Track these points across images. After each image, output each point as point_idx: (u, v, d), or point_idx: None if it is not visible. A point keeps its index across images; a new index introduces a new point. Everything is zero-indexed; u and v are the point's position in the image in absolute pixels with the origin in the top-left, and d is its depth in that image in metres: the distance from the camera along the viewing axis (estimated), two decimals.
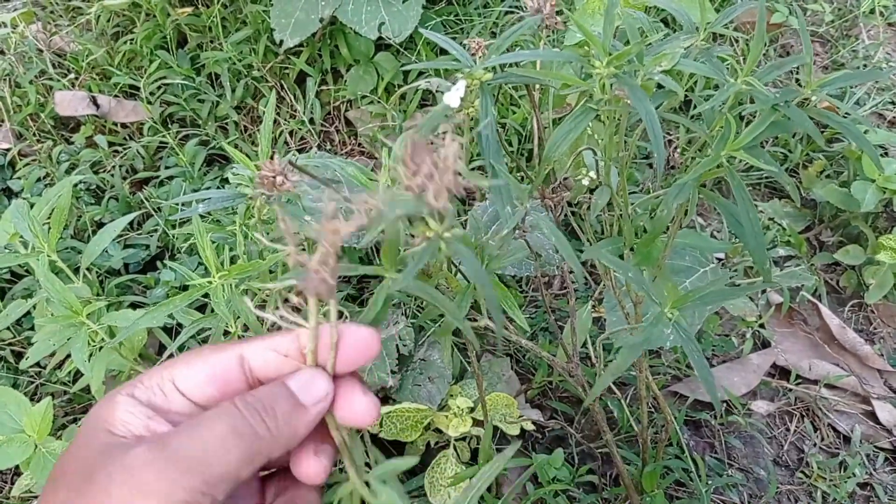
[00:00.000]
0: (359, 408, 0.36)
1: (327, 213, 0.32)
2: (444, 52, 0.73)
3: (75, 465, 0.34)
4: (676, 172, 1.37)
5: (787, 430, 1.19)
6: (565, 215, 1.22)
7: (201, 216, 0.92)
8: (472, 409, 1.08)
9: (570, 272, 1.08)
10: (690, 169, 0.74)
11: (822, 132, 1.54)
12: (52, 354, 1.05)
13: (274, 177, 0.63)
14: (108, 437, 0.34)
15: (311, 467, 0.37)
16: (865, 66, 1.73)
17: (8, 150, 1.52)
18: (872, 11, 1.84)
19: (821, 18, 1.82)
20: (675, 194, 0.69)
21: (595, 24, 1.25)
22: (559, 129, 0.70)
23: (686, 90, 1.49)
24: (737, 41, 1.63)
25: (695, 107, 1.49)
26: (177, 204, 1.34)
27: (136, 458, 0.32)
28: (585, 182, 0.81)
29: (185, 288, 1.26)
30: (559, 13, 0.81)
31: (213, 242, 0.90)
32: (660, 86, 0.72)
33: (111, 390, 0.37)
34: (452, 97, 0.72)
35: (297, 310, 0.35)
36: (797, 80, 1.70)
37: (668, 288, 0.72)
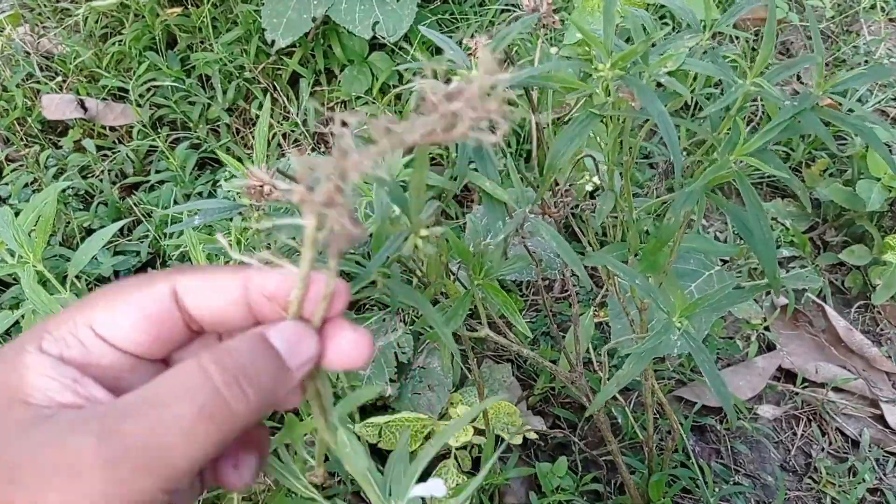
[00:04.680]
0: (347, 347, 0.29)
1: (341, 145, 0.26)
2: (440, 51, 0.70)
3: None
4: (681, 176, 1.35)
5: (794, 434, 1.16)
6: (566, 218, 1.20)
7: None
8: (473, 418, 1.06)
9: (572, 276, 1.06)
10: (697, 173, 0.71)
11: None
12: None
13: (261, 186, 0.60)
14: (24, 412, 0.26)
15: (230, 478, 0.30)
16: (867, 62, 1.70)
17: None
18: (873, 7, 1.81)
19: (821, 14, 1.80)
20: (683, 201, 0.67)
21: (595, 23, 1.22)
22: (562, 136, 0.67)
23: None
24: (737, 39, 1.61)
25: (696, 108, 1.47)
26: (170, 215, 1.31)
27: (78, 454, 0.24)
28: (589, 187, 0.79)
29: None
30: (556, 11, 0.78)
31: (205, 252, 0.87)
32: (659, 85, 0.70)
33: (6, 346, 0.29)
34: None
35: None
36: (799, 77, 1.68)
37: (678, 296, 0.70)
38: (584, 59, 0.70)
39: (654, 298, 0.70)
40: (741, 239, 1.34)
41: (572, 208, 1.00)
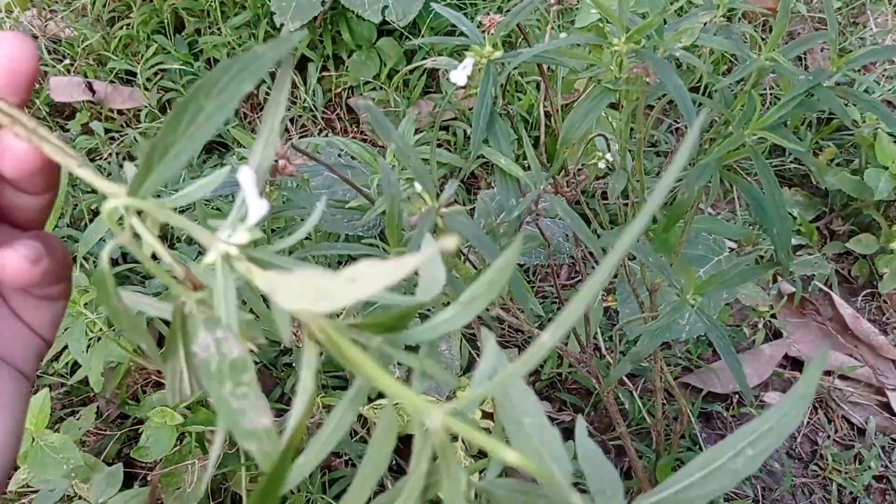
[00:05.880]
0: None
1: None
2: (449, 35, 0.70)
3: None
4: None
5: (801, 422, 1.16)
6: (577, 202, 1.20)
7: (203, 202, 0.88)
8: (481, 402, 1.06)
9: (584, 260, 1.06)
10: (710, 151, 0.71)
11: (832, 119, 1.51)
12: None
13: (277, 161, 0.60)
14: None
15: (9, 260, 0.27)
16: None
17: None
18: None
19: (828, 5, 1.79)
20: (697, 176, 0.67)
21: (609, 1, 1.22)
22: (576, 111, 0.67)
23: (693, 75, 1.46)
24: (748, 21, 1.61)
25: (707, 92, 1.47)
26: (176, 191, 1.31)
27: None
28: (602, 165, 0.79)
29: None
30: None
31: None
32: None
33: None
34: (459, 75, 0.69)
35: None
36: (807, 68, 1.67)
37: (689, 274, 0.70)
38: (600, 37, 0.70)
39: (667, 276, 0.70)
40: (751, 226, 1.34)
41: (583, 190, 1.00)
